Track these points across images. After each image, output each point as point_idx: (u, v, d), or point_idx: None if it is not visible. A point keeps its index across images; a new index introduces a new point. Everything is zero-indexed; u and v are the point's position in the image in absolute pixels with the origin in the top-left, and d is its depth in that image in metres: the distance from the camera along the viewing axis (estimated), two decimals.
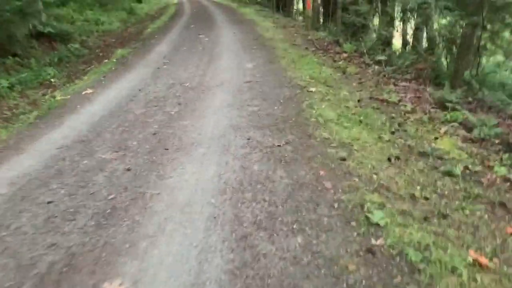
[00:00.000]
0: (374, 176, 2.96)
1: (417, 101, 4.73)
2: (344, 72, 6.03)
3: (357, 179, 2.92)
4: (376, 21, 11.44)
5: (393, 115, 4.25)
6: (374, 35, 11.92)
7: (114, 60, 8.75)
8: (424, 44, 8.10)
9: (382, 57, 6.32)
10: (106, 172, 3.40)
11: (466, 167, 3.12)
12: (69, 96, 6.25)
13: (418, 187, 2.82)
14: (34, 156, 3.92)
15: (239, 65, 7.00)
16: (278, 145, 3.55)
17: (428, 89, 4.99)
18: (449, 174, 2.98)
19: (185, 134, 4.08)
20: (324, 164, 3.18)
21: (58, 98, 6.29)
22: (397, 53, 7.17)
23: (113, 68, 7.88)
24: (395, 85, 5.35)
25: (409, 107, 4.42)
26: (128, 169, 3.42)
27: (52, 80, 8.06)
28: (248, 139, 3.76)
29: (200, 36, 10.79)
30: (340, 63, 6.63)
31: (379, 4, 8.56)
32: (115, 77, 7.07)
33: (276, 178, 3.00)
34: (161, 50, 9.17)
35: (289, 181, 2.95)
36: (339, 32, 8.93)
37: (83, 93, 6.29)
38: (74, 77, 8.24)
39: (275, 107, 4.61)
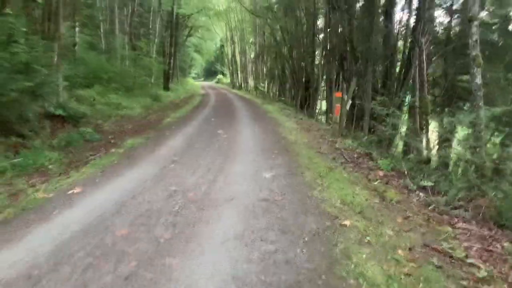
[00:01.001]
0: None
1: (490, 258, 3.40)
2: (383, 198, 4.80)
3: None
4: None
5: (464, 284, 2.91)
6: (401, 145, 10.89)
7: (121, 151, 7.78)
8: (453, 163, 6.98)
9: (428, 183, 5.11)
10: None
11: None
12: (52, 194, 5.14)
13: None
14: None
15: (256, 174, 5.86)
16: None
17: (504, 243, 3.66)
18: None
19: (167, 285, 2.79)
20: None
21: (40, 195, 5.16)
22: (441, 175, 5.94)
23: (116, 162, 6.86)
24: (452, 226, 4.06)
25: (483, 270, 3.09)
26: None
27: (50, 167, 7.07)
28: None
29: (219, 131, 9.90)
30: (376, 183, 5.43)
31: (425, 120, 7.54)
32: (113, 174, 5.99)
33: None
34: (174, 145, 8.21)
35: None
36: (370, 144, 7.87)
37: (70, 192, 5.18)
38: (73, 165, 7.24)
39: (298, 249, 3.32)
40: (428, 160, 6.33)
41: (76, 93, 13.74)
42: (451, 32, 10.02)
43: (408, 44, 11.67)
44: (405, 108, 11.72)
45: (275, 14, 21.40)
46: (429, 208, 4.53)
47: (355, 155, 7.07)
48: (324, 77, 19.08)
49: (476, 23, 6.08)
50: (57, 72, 10.69)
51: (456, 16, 9.53)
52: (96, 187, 5.35)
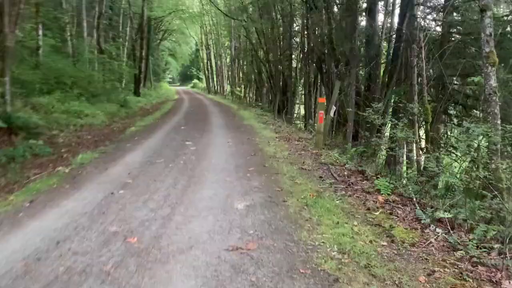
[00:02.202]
0: None
1: None
2: (391, 239, 3.54)
3: None
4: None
5: None
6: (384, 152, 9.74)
7: (67, 170, 6.31)
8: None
9: (445, 214, 3.87)
10: None
11: None
12: None
13: None
14: None
15: (226, 202, 4.52)
16: None
17: None
18: None
19: None
20: None
21: None
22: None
23: (55, 186, 5.41)
24: (495, 286, 2.82)
25: None
26: None
27: None
28: None
29: (187, 143, 8.52)
30: (378, 214, 4.17)
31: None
32: (44, 206, 4.54)
33: None
34: (131, 160, 6.78)
35: None
36: (359, 156, 6.64)
37: None
38: (8, 189, 5.77)
39: None
40: (431, 178, 5.11)
41: (33, 100, 12.09)
42: (445, 29, 8.94)
43: (392, 44, 10.59)
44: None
45: (250, 16, 20.14)
46: (456, 254, 3.28)
47: (346, 173, 5.81)
48: (302, 80, 17.92)
49: (489, 13, 4.92)
50: (3, 78, 9.12)
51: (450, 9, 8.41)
52: (14, 227, 3.91)
